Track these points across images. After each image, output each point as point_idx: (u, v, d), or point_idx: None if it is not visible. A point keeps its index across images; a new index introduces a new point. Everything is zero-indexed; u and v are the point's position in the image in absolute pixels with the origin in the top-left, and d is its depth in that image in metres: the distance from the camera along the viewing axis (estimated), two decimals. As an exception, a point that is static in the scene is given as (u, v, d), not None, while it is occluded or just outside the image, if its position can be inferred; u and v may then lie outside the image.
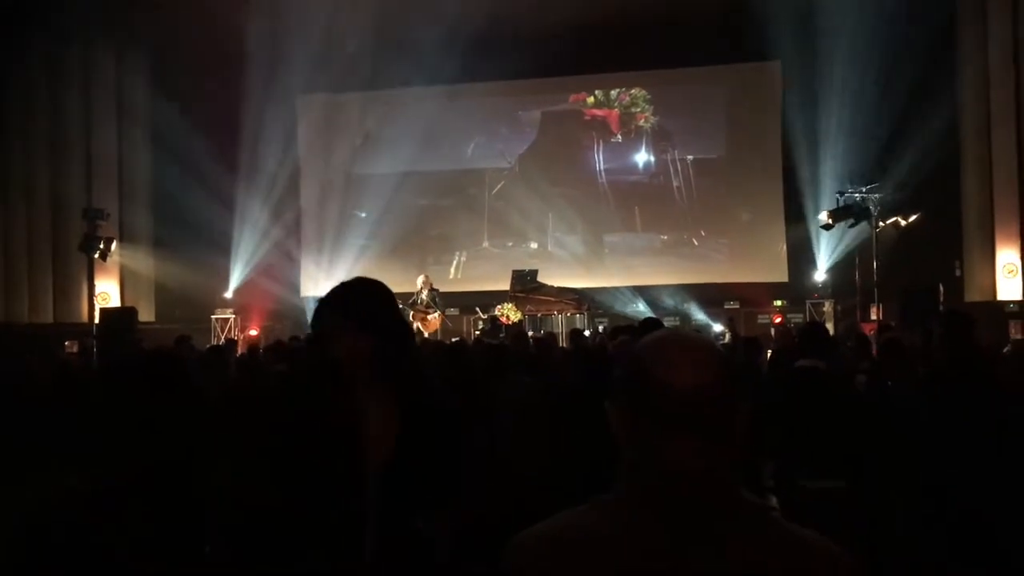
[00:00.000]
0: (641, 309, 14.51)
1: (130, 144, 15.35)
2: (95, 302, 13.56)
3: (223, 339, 13.83)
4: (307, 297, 16.21)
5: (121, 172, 15.27)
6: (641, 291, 14.94)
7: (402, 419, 2.13)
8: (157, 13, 13.71)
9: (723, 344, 10.58)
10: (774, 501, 4.84)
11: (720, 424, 1.25)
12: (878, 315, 12.02)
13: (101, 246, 12.57)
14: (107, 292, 14.76)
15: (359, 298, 2.22)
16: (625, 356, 1.33)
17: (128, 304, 14.66)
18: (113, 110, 15.19)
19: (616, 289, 15.04)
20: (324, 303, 2.24)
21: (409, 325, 2.71)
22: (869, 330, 11.91)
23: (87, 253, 12.65)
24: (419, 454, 2.08)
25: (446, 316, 14.13)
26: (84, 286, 13.73)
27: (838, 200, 11.75)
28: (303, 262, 16.71)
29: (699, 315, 14.71)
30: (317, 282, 16.49)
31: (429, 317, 13.54)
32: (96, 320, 12.92)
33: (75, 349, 12.60)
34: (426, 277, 13.87)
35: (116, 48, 15.12)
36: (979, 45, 13.28)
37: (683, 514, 1.26)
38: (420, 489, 2.08)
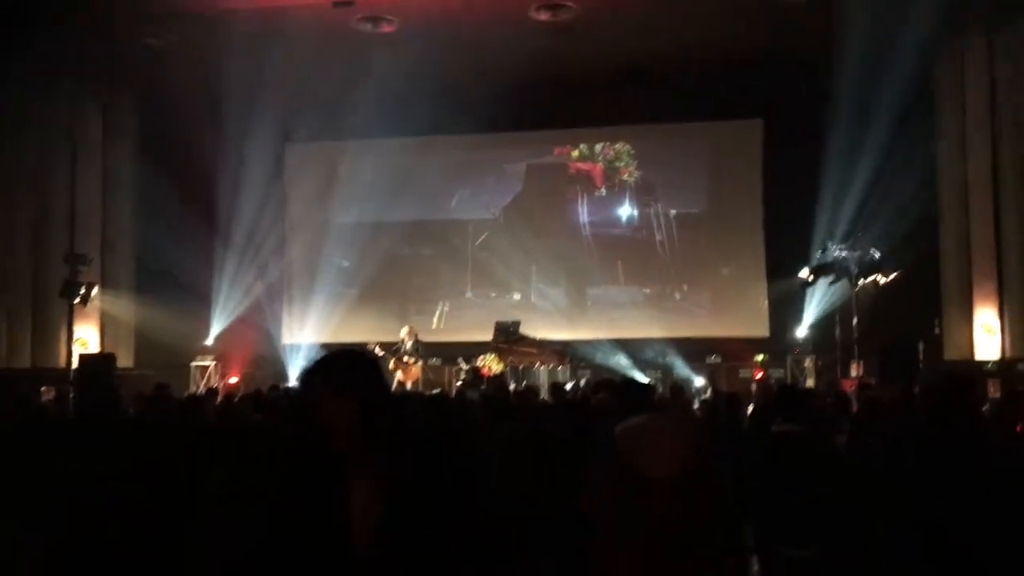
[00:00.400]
0: (623, 363, 14.52)
1: (113, 190, 15.34)
2: (74, 347, 13.46)
3: (203, 387, 13.74)
4: (287, 345, 16.16)
5: (104, 218, 15.23)
6: (623, 344, 14.94)
7: (389, 500, 2.04)
8: (142, 65, 13.80)
9: (703, 399, 10.59)
10: (755, 564, 4.84)
11: (694, 495, 1.29)
12: (858, 371, 12.10)
13: (82, 291, 12.51)
14: (86, 338, 14.64)
15: (347, 367, 2.15)
16: (604, 442, 1.37)
17: (107, 350, 14.53)
18: (98, 156, 15.20)
19: (598, 342, 15.05)
20: (310, 372, 2.18)
21: (396, 393, 2.67)
22: (849, 386, 11.98)
23: (67, 299, 12.59)
24: (406, 541, 2.00)
25: (428, 366, 14.09)
26: (63, 331, 13.64)
27: (819, 257, 11.88)
28: (285, 310, 16.67)
29: (682, 369, 14.72)
30: (298, 330, 16.45)
31: (406, 363, 13.52)
32: (74, 365, 12.81)
33: (51, 395, 12.48)
34: (411, 327, 13.88)
35: (101, 97, 15.18)
36: (956, 109, 13.54)
37: (663, 555, 1.31)
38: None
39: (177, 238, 14.90)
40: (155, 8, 12.47)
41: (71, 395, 11.47)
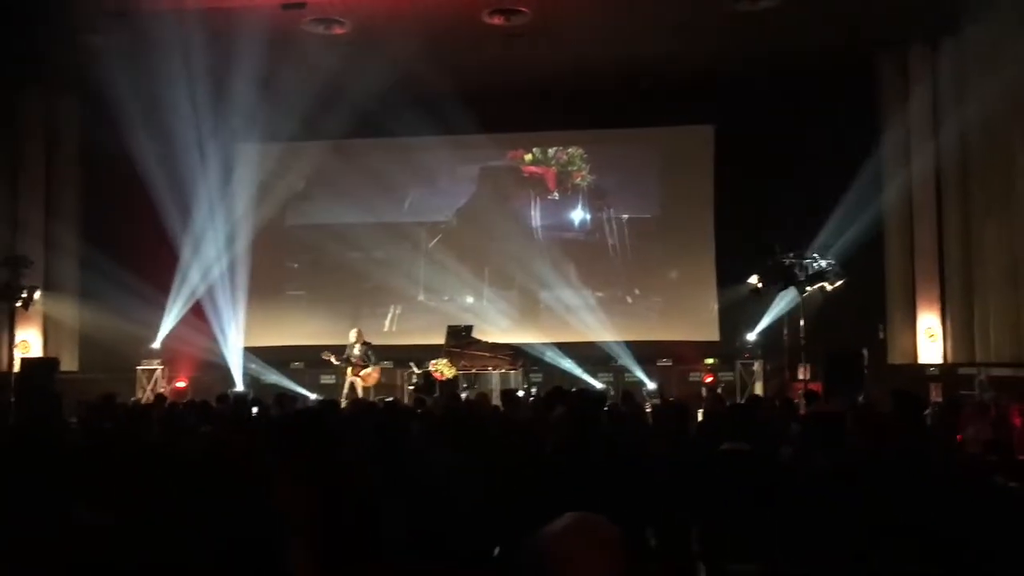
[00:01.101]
0: (574, 366, 14.59)
1: (59, 191, 15.01)
2: (15, 351, 13.15)
3: (150, 392, 13.52)
4: (241, 347, 15.93)
5: (48, 219, 14.90)
6: (576, 347, 15.00)
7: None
8: (86, 64, 13.51)
9: (655, 403, 10.68)
10: (703, 570, 4.89)
11: None
12: (805, 375, 12.31)
13: (24, 295, 12.24)
14: (28, 341, 14.32)
15: (301, 437, 1.82)
16: (529, 554, 1.26)
17: (51, 354, 14.25)
18: (42, 155, 14.88)
19: (551, 345, 15.09)
20: (270, 434, 1.83)
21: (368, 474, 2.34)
22: (798, 389, 12.19)
23: (8, 301, 12.30)
24: None
25: (381, 371, 14.01)
26: (4, 335, 13.32)
27: (768, 264, 12.04)
28: (235, 312, 16.43)
29: (635, 372, 14.83)
30: (248, 333, 16.24)
31: (364, 372, 13.42)
32: (15, 370, 12.53)
33: (-8, 401, 12.19)
34: (359, 331, 13.76)
35: (45, 93, 14.85)
36: (899, 117, 13.82)
37: None
38: None
39: (123, 240, 14.66)
40: (99, 6, 12.19)
41: (12, 401, 11.22)
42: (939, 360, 13.44)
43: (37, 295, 12.64)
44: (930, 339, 13.59)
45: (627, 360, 14.93)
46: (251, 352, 15.59)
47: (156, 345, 15.08)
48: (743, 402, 9.91)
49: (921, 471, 4.16)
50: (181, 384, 14.77)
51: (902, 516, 3.99)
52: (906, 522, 3.94)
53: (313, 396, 13.28)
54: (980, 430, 6.60)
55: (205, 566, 3.56)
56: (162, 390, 13.67)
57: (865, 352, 11.90)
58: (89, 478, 4.70)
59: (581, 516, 1.31)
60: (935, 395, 12.24)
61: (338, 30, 12.82)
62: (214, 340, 15.37)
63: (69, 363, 14.59)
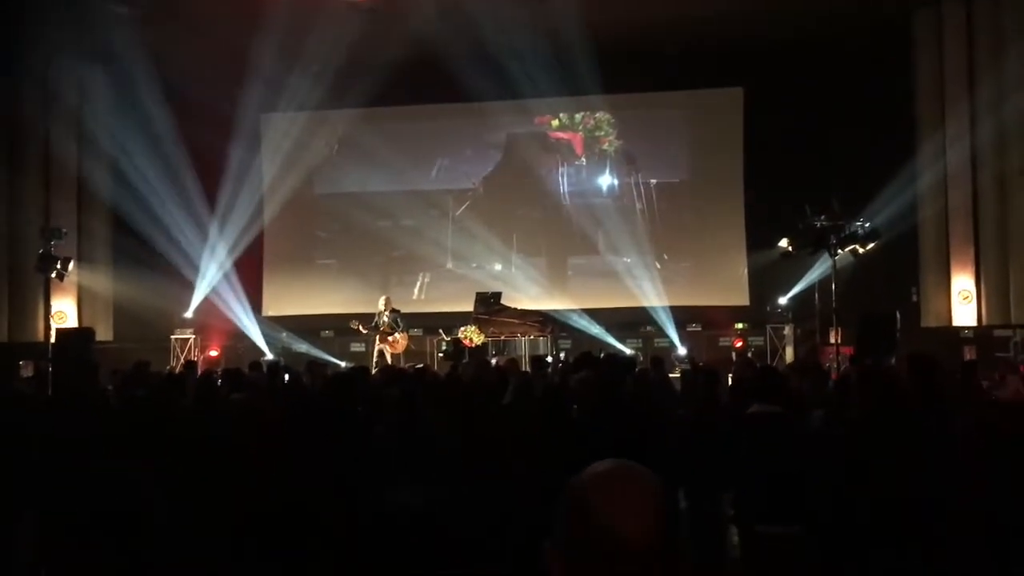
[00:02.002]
0: (603, 332, 14.57)
1: (90, 162, 15.13)
2: (51, 322, 13.34)
3: (183, 360, 13.68)
4: (269, 316, 16.09)
5: (80, 191, 15.04)
6: (604, 313, 14.97)
7: None
8: (115, 33, 13.55)
9: (683, 368, 10.65)
10: (735, 535, 4.89)
11: (666, 568, 1.18)
12: (836, 339, 12.18)
13: (58, 266, 12.37)
14: (64, 311, 14.53)
15: None
16: (568, 495, 1.25)
17: (86, 324, 14.44)
18: (73, 128, 14.98)
19: (579, 311, 15.07)
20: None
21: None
22: (828, 354, 12.09)
23: (43, 273, 12.44)
24: None
25: (410, 338, 14.07)
26: (40, 305, 13.50)
27: (799, 227, 11.90)
28: (265, 281, 16.58)
29: (669, 334, 14.79)
30: (279, 302, 16.39)
31: (391, 338, 13.48)
32: (52, 340, 12.70)
33: (30, 371, 12.40)
34: (387, 299, 13.80)
35: (77, 66, 14.92)
36: (935, 78, 13.55)
37: None
38: None
39: (154, 211, 14.80)
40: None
41: (49, 370, 11.39)
42: (973, 323, 13.27)
43: (71, 266, 12.76)
44: (964, 301, 13.41)
45: (662, 323, 14.86)
46: (281, 321, 15.74)
47: (189, 315, 15.26)
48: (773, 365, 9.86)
49: (931, 434, 4.12)
50: (214, 353, 14.95)
51: (913, 478, 3.96)
52: (917, 484, 3.90)
53: (343, 364, 13.38)
54: (1014, 389, 6.53)
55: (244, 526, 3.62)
56: (195, 359, 13.83)
57: (898, 315, 11.74)
58: (125, 443, 4.79)
59: (620, 461, 1.30)
60: (969, 357, 12.10)
61: (363, -2, 12.75)
62: (244, 310, 15.52)
63: (104, 333, 14.78)
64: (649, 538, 1.18)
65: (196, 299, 15.32)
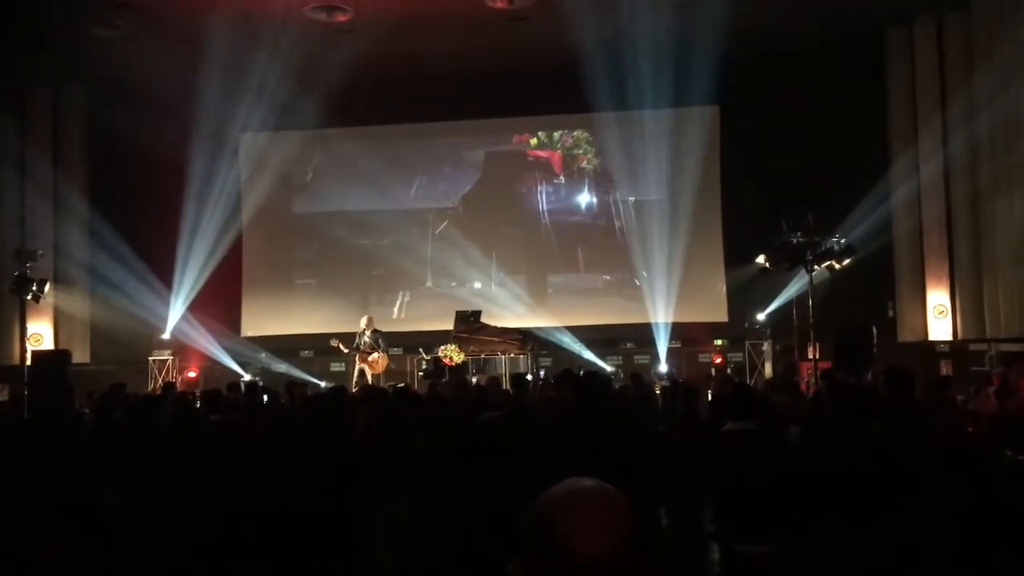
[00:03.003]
0: (583, 349, 14.61)
1: (65, 183, 15.04)
2: (27, 344, 13.23)
3: (161, 382, 13.58)
4: (248, 337, 16.00)
5: (56, 211, 14.95)
6: (584, 331, 15.01)
7: None
8: (92, 56, 13.53)
9: (663, 385, 10.70)
10: (716, 551, 4.91)
11: None
12: (814, 354, 12.27)
13: (34, 288, 12.28)
14: (40, 333, 14.41)
15: None
16: (531, 514, 1.26)
17: (62, 346, 14.32)
18: (48, 147, 14.92)
19: (560, 329, 15.10)
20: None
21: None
22: (806, 369, 12.17)
23: (19, 295, 12.35)
24: None
25: (390, 357, 14.04)
26: (16, 327, 13.38)
27: (775, 244, 12.00)
28: (244, 301, 16.50)
29: (643, 355, 14.85)
30: (258, 322, 16.30)
31: (371, 358, 13.44)
32: (28, 363, 12.59)
33: (5, 394, 12.27)
34: (369, 318, 13.79)
35: (52, 86, 14.88)
36: (908, 95, 13.76)
37: None
38: None
39: (131, 232, 14.72)
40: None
41: (25, 393, 11.28)
42: (949, 337, 13.39)
43: (47, 288, 12.68)
44: (940, 316, 13.54)
45: (647, 339, 14.92)
46: (261, 341, 15.67)
47: (166, 336, 15.15)
48: (749, 382, 9.91)
49: (908, 447, 4.16)
50: (192, 374, 14.85)
51: (888, 490, 3.99)
52: (897, 496, 3.94)
53: (323, 383, 13.33)
54: (983, 403, 6.60)
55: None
56: (173, 380, 13.73)
57: (874, 329, 11.85)
58: (102, 465, 4.75)
59: (580, 479, 1.31)
60: (945, 371, 12.23)
61: (341, 17, 12.80)
62: (224, 329, 15.43)
63: (81, 355, 14.66)
64: (611, 555, 1.18)
65: (174, 319, 15.22)
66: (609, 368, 14.21)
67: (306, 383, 12.41)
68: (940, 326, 13.56)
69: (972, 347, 12.62)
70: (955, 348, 12.99)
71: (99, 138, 14.92)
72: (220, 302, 15.72)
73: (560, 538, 1.19)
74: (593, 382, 5.26)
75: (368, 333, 13.52)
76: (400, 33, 12.49)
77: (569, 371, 8.58)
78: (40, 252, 12.72)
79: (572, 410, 4.76)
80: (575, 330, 14.98)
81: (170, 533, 3.36)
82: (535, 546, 1.22)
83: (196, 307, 15.34)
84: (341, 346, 13.39)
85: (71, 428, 5.95)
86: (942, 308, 13.52)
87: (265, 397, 8.81)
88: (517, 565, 1.26)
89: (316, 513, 3.80)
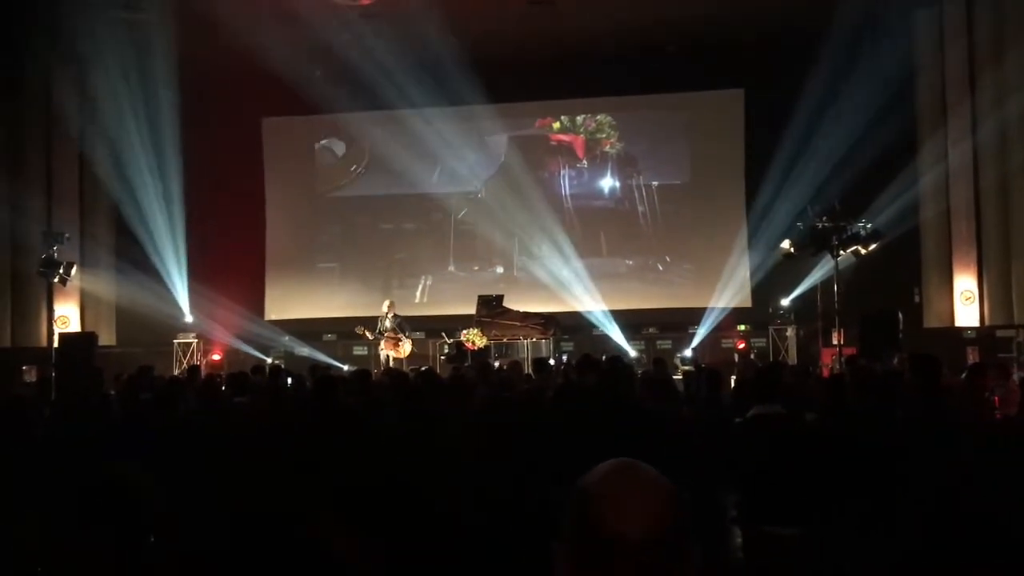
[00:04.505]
0: (606, 334, 14.59)
1: (92, 166, 15.13)
2: (54, 327, 13.35)
3: (186, 365, 13.69)
4: (272, 320, 16.11)
5: (83, 195, 15.05)
6: (607, 316, 14.97)
7: None
8: (119, 36, 13.59)
9: (687, 371, 10.65)
10: (738, 536, 4.89)
11: (670, 570, 1.17)
12: (839, 340, 12.18)
13: (60, 270, 12.38)
14: (67, 316, 14.53)
15: None
16: (572, 495, 1.25)
17: (89, 328, 14.44)
18: (75, 132, 14.99)
19: (582, 313, 15.08)
20: None
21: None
22: (830, 355, 12.09)
23: (46, 277, 12.45)
24: None
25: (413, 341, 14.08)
26: (43, 310, 13.50)
27: (800, 228, 11.91)
28: (268, 285, 16.60)
29: (666, 340, 14.82)
30: (282, 305, 16.39)
31: (401, 344, 13.48)
32: (55, 345, 12.71)
33: (33, 376, 12.41)
34: (391, 303, 13.81)
35: (78, 71, 14.94)
36: (936, 77, 13.57)
37: None
38: None
39: (158, 212, 14.82)
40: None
41: (52, 376, 11.39)
42: (976, 323, 13.25)
43: (74, 270, 12.78)
44: (967, 302, 13.39)
45: (657, 328, 14.88)
46: (284, 325, 15.76)
47: (191, 319, 15.26)
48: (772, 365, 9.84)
49: (936, 433, 4.12)
50: (216, 357, 14.96)
51: (916, 477, 3.96)
52: (923, 484, 3.91)
53: (346, 367, 13.40)
54: (1005, 393, 6.54)
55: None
56: (198, 363, 13.84)
57: (900, 315, 11.74)
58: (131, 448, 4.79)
59: (625, 460, 1.30)
60: (972, 357, 12.09)
61: (363, 1, 12.77)
62: (248, 312, 15.53)
63: (107, 338, 14.78)
64: (652, 537, 1.17)
65: (199, 303, 15.29)
66: (633, 352, 14.17)
67: (329, 366, 12.50)
68: (967, 312, 13.40)
69: (999, 333, 12.48)
70: (982, 334, 12.85)
71: (125, 122, 14.94)
72: (244, 285, 15.81)
73: (600, 519, 1.18)
74: (615, 367, 5.24)
75: (390, 317, 13.55)
76: (423, 18, 12.43)
77: (588, 356, 8.56)
78: (67, 235, 12.81)
79: (593, 395, 4.75)
80: (598, 315, 14.95)
81: (203, 518, 3.39)
82: (576, 528, 1.21)
83: (220, 290, 15.39)
84: (367, 333, 13.44)
85: (98, 411, 6.00)
86: (969, 294, 13.37)
87: (289, 380, 8.87)
88: (560, 547, 1.24)
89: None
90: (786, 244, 12.32)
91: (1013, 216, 12.69)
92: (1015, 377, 7.73)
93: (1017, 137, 12.51)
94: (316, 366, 11.22)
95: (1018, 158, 12.50)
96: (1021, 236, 12.52)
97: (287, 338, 15.47)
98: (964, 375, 7.23)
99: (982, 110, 12.94)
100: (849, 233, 11.39)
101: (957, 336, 13.02)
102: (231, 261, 15.60)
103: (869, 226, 11.76)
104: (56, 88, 14.75)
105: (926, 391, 4.29)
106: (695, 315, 14.98)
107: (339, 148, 16.60)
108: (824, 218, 11.52)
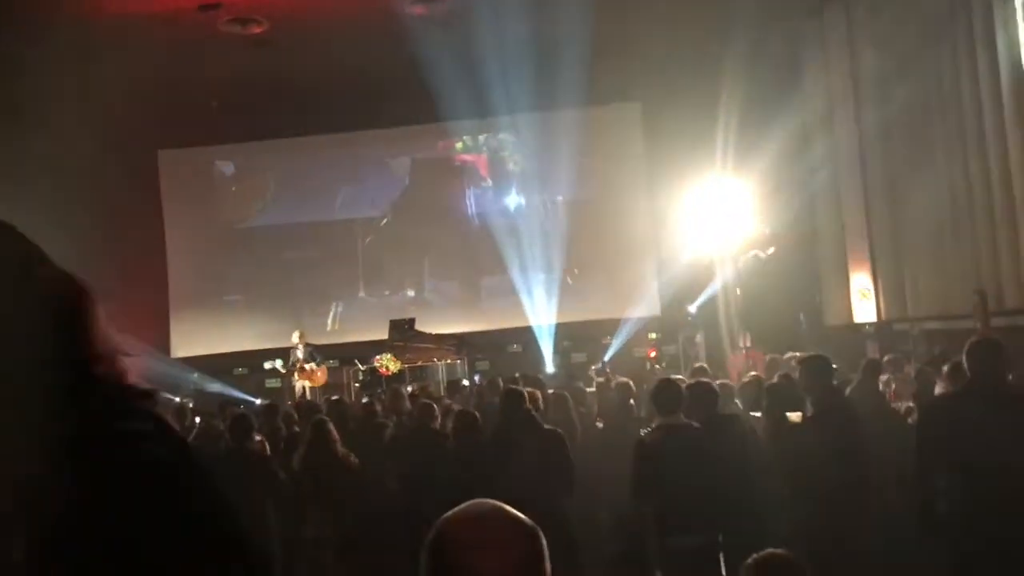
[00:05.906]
0: (520, 351, 14.63)
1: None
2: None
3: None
4: (179, 357, 15.66)
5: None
6: (519, 332, 15.03)
7: None
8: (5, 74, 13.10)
9: (598, 382, 10.75)
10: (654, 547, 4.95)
11: None
12: (745, 342, 12.51)
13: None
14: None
15: None
16: (432, 535, 1.24)
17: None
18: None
19: (495, 332, 15.10)
20: None
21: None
22: (736, 360, 12.37)
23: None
24: None
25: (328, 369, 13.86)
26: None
27: (703, 236, 12.19)
28: (173, 321, 16.15)
29: (579, 353, 14.93)
30: (189, 341, 15.97)
31: (315, 373, 13.28)
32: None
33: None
34: (301, 332, 13.60)
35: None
36: (823, 82, 14.06)
37: None
38: None
39: (55, 247, 14.21)
40: (17, 15, 11.79)
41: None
42: (873, 318, 13.71)
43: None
44: (863, 298, 13.85)
45: (572, 341, 14.99)
46: (193, 361, 15.34)
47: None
48: (678, 376, 10.01)
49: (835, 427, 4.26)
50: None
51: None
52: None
53: (258, 401, 13.11)
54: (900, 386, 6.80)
55: None
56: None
57: (802, 316, 12.11)
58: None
59: (484, 501, 1.30)
60: (872, 352, 12.50)
61: (256, 29, 12.60)
62: (153, 350, 15.06)
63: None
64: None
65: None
66: (550, 369, 14.22)
67: (240, 402, 12.21)
68: (865, 308, 13.86)
69: (896, 327, 12.94)
70: (880, 329, 13.30)
71: (9, 157, 14.39)
72: (148, 322, 15.31)
73: (454, 560, 1.18)
74: (515, 391, 5.25)
75: (301, 347, 13.35)
76: (316, 43, 12.35)
77: (494, 380, 8.60)
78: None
79: (503, 416, 4.76)
80: (510, 332, 14.99)
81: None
82: (431, 570, 1.21)
83: (121, 329, 14.85)
84: (279, 366, 13.23)
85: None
86: (865, 291, 13.84)
87: (197, 420, 8.63)
88: None
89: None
90: (690, 251, 12.57)
91: (900, 211, 13.15)
92: (908, 369, 8.03)
93: (899, 135, 12.99)
94: (227, 402, 10.97)
95: (900, 156, 12.97)
96: (909, 230, 12.97)
97: (196, 375, 15.06)
98: (860, 370, 7.49)
99: (866, 110, 13.42)
100: (749, 238, 11.72)
101: (856, 332, 13.45)
102: (131, 299, 15.10)
103: (768, 231, 12.12)
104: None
105: (820, 392, 4.43)
106: (608, 326, 15.15)
107: (228, 169, 16.25)
108: (725, 225, 11.82)
